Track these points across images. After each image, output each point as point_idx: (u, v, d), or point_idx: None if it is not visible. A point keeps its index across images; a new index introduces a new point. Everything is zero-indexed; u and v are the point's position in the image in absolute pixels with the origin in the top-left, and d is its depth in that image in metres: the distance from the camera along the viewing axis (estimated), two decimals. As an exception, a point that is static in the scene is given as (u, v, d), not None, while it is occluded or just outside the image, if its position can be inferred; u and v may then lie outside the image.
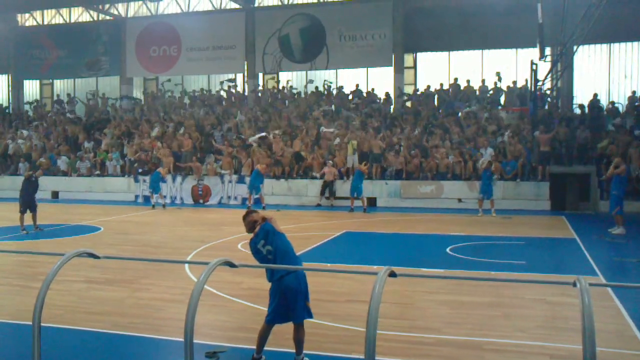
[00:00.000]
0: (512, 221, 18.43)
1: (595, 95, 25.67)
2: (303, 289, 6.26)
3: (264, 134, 25.99)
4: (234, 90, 31.93)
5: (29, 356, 4.90)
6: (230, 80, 32.10)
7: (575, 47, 23.98)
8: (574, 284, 4.04)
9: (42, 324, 4.86)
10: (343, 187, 22.72)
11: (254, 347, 6.33)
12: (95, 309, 8.58)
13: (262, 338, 6.31)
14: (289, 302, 6.19)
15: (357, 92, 29.57)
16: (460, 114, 26.13)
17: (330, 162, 23.12)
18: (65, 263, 5.00)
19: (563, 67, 25.80)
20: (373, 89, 29.58)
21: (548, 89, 26.60)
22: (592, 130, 23.25)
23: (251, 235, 6.50)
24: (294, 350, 6.33)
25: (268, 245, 6.29)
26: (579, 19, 22.16)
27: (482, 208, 19.84)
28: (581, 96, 27.25)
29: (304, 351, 6.34)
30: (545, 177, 21.76)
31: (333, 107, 28.73)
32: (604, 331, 6.97)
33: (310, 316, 6.33)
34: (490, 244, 14.52)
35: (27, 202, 16.53)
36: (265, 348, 6.44)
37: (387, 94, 28.95)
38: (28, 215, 16.41)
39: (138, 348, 7.09)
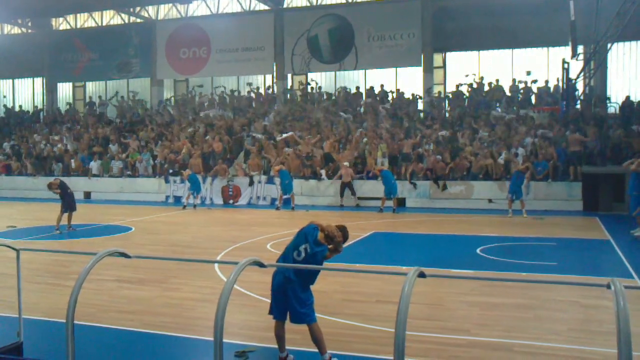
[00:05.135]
0: (543, 222, 18.15)
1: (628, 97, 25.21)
2: (307, 292, 6.26)
3: (290, 133, 26.07)
4: (254, 94, 32.03)
5: (63, 353, 4.97)
6: (248, 84, 32.29)
7: (609, 45, 23.52)
8: (608, 286, 3.95)
9: (75, 322, 4.93)
10: (375, 188, 22.54)
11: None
12: (126, 308, 8.70)
13: (279, 336, 6.34)
14: (289, 299, 6.21)
15: (370, 91, 29.61)
16: (491, 113, 25.85)
17: (346, 163, 23.04)
18: (98, 262, 5.07)
19: (596, 66, 25.32)
20: (399, 90, 29.42)
21: (581, 92, 26.09)
22: (626, 130, 22.77)
23: (322, 238, 6.31)
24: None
25: (306, 256, 6.25)
26: (613, 15, 21.73)
27: (511, 208, 19.58)
28: (615, 95, 26.73)
29: (333, 351, 6.33)
30: (577, 177, 21.38)
31: (362, 108, 28.72)
32: (640, 334, 6.82)
33: (309, 321, 6.24)
34: (521, 244, 14.32)
35: (72, 202, 16.85)
36: (295, 348, 6.46)
37: (415, 94, 28.81)
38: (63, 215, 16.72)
39: (168, 347, 7.16)
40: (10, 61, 37.36)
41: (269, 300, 6.48)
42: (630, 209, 15.72)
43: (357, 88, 30.32)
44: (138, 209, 23.05)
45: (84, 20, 37.49)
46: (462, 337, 7.15)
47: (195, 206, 22.83)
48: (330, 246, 6.32)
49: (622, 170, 21.44)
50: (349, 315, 7.99)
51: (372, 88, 29.88)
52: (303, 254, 6.26)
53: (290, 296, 6.18)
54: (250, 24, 32.51)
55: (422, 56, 29.44)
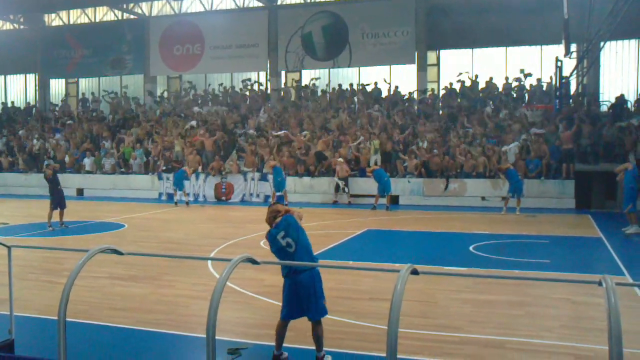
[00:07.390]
0: (536, 220, 18.22)
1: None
2: (318, 287, 6.29)
3: (283, 132, 26.01)
4: (254, 88, 31.94)
5: (55, 350, 4.96)
6: (247, 80, 32.21)
7: (602, 43, 23.59)
8: (600, 283, 3.97)
9: (67, 319, 4.91)
10: (369, 186, 22.55)
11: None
12: (119, 305, 8.68)
13: (280, 334, 6.34)
14: (302, 299, 6.22)
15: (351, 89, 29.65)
16: (485, 110, 25.87)
17: (341, 159, 23.04)
18: (90, 259, 5.05)
19: (589, 64, 25.40)
20: (397, 87, 29.39)
21: (574, 91, 26.13)
22: (619, 128, 22.83)
23: (277, 219, 6.53)
24: (314, 348, 6.33)
25: (288, 237, 6.30)
26: (606, 14, 21.81)
27: (507, 206, 19.62)
28: (608, 93, 26.81)
29: (325, 348, 6.34)
30: (570, 175, 21.45)
31: (356, 105, 28.69)
32: (631, 332, 6.84)
33: (325, 313, 6.34)
34: (514, 242, 14.37)
35: (61, 198, 16.77)
36: (287, 345, 6.46)
37: (410, 92, 28.83)
38: (54, 212, 16.63)
39: (161, 344, 7.16)
40: (2, 57, 37.08)
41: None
42: (622, 206, 15.78)
43: (350, 85, 30.28)
44: (131, 205, 22.99)
45: (77, 17, 37.27)
46: (455, 334, 7.18)
47: (187, 203, 22.79)
48: (286, 213, 6.50)
49: (615, 168, 21.54)
50: (342, 313, 7.99)
51: (364, 86, 29.80)
52: (289, 240, 6.29)
53: (312, 290, 6.20)
54: (244, 20, 32.41)
55: (416, 54, 29.43)
